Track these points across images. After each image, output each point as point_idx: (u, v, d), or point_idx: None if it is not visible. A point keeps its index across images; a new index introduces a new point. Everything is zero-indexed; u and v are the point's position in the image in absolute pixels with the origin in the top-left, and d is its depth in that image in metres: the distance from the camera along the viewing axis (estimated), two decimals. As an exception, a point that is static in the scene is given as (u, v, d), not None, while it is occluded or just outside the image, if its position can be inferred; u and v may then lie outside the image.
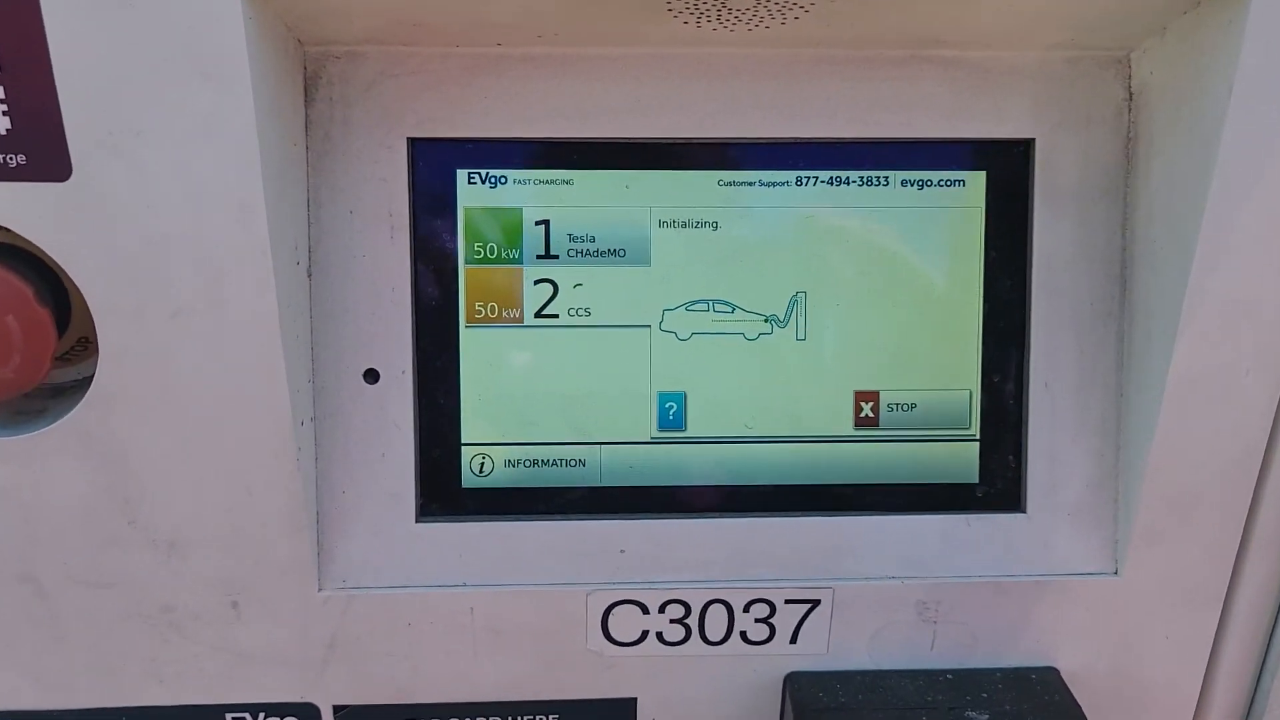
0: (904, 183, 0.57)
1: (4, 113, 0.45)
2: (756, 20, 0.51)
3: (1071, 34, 0.53)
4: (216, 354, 0.50)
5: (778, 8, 0.49)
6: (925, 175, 0.57)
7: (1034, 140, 0.56)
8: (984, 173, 0.57)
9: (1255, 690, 0.60)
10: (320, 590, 0.56)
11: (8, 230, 0.48)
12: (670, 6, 0.49)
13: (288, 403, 0.51)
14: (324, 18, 0.50)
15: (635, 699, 0.59)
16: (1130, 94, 0.56)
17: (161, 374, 0.50)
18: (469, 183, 0.56)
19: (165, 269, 0.49)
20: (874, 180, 0.57)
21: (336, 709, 0.58)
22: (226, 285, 0.49)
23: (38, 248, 0.48)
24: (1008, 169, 0.57)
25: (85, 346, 0.55)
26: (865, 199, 0.57)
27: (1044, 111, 0.56)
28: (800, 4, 0.49)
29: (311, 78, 0.54)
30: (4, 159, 0.46)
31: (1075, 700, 0.57)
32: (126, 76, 0.45)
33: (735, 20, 0.51)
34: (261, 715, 0.58)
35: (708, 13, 0.50)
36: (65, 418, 0.51)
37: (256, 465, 0.52)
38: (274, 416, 0.52)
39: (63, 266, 0.48)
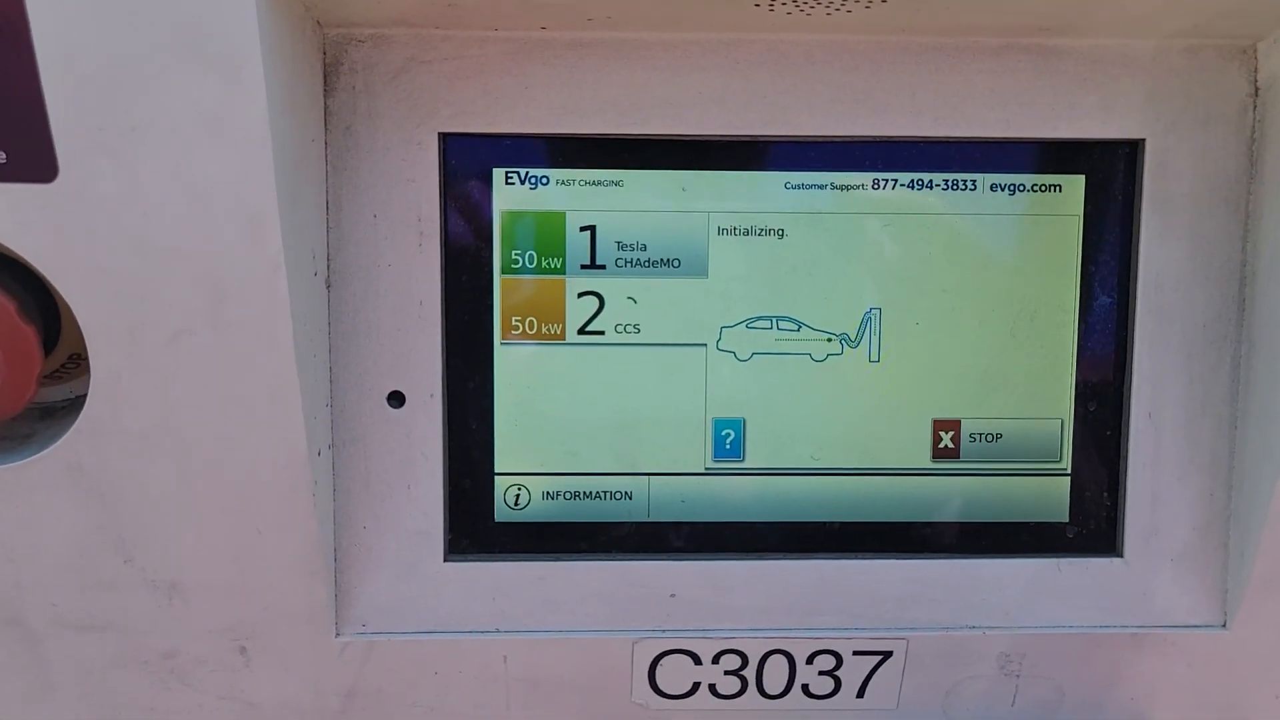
0: (994, 187, 0.54)
1: (-21, 106, 0.40)
2: (838, 3, 0.46)
3: (1194, 21, 0.49)
4: (222, 377, 0.47)
5: None
6: (1018, 179, 0.54)
7: (1144, 141, 0.53)
8: (1083, 177, 0.53)
9: None
10: (338, 636, 0.53)
11: (-12, 238, 0.44)
12: None
13: (302, 431, 0.48)
14: None
15: None
16: (1256, 89, 0.52)
17: (160, 399, 0.47)
18: (507, 183, 0.53)
19: (164, 283, 0.45)
20: (960, 184, 0.54)
21: (354, 764, 0.54)
22: (234, 301, 0.45)
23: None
24: (1111, 173, 0.53)
25: (78, 363, 0.51)
26: (950, 205, 0.54)
27: (1156, 108, 0.52)
28: None
29: (332, 64, 0.50)
30: None
31: (1174, 766, 0.53)
32: (120, 64, 0.42)
33: (814, 3, 0.46)
34: None
35: None
36: (53, 447, 0.47)
37: (267, 500, 0.49)
38: (287, 446, 0.48)
39: (48, 279, 0.44)
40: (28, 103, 0.41)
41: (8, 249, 0.44)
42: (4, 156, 0.41)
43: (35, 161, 0.42)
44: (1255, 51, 0.52)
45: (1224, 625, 0.54)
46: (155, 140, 0.42)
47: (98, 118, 0.42)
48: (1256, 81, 0.52)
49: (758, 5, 0.46)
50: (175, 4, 0.41)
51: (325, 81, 0.50)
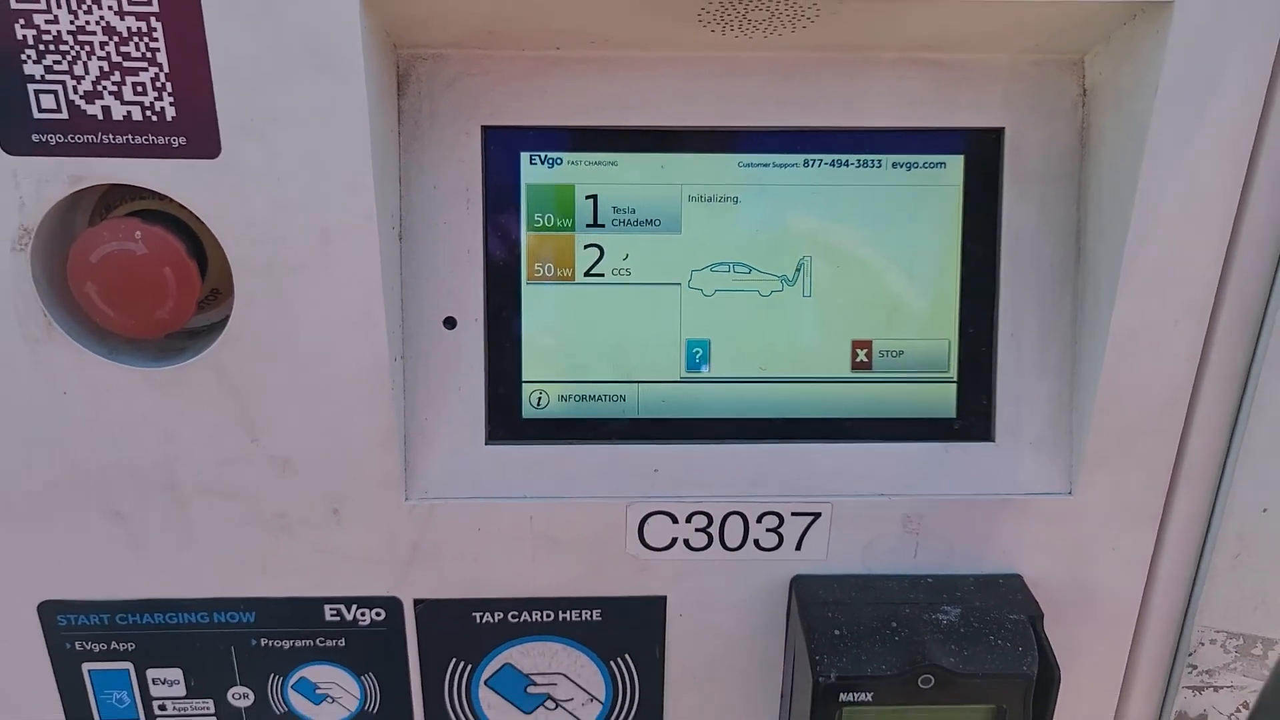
0: (894, 165, 0.66)
1: (171, 103, 0.56)
2: (771, 29, 0.60)
3: (1036, 40, 0.62)
4: (328, 302, 0.59)
5: (788, 19, 0.59)
6: (912, 158, 0.65)
7: (1004, 129, 0.64)
8: (962, 156, 0.66)
9: (1190, 595, 0.70)
10: (406, 499, 0.64)
11: (161, 200, 0.59)
12: (700, 18, 0.59)
13: (385, 342, 0.60)
14: (416, 27, 0.60)
15: (665, 597, 0.69)
16: (1084, 91, 0.64)
17: (284, 317, 0.60)
18: (530, 163, 0.65)
19: (290, 231, 0.58)
20: (869, 163, 0.66)
21: (417, 602, 0.69)
22: (338, 245, 0.58)
23: (187, 213, 0.58)
24: (982, 153, 0.65)
25: (215, 297, 0.65)
26: (862, 178, 0.66)
27: (1013, 105, 0.64)
28: (807, 15, 0.58)
29: (403, 75, 0.62)
30: (169, 140, 0.56)
31: (1035, 600, 0.67)
32: (266, 74, 0.55)
33: (753, 29, 0.60)
34: (354, 607, 0.69)
35: (731, 23, 0.59)
36: (204, 353, 0.60)
37: (357, 394, 0.62)
38: (373, 354, 0.61)
39: (210, 228, 0.58)
40: (202, 102, 0.55)
41: (177, 208, 0.58)
42: (184, 140, 0.56)
43: (205, 143, 0.56)
44: (1083, 63, 0.64)
45: (1069, 492, 0.66)
46: (288, 128, 0.55)
47: (250, 111, 0.55)
48: (1084, 85, 0.64)
49: (714, 32, 0.60)
50: (304, 33, 0.54)
51: (399, 87, 0.62)
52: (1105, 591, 0.70)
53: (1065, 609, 0.69)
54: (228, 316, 0.61)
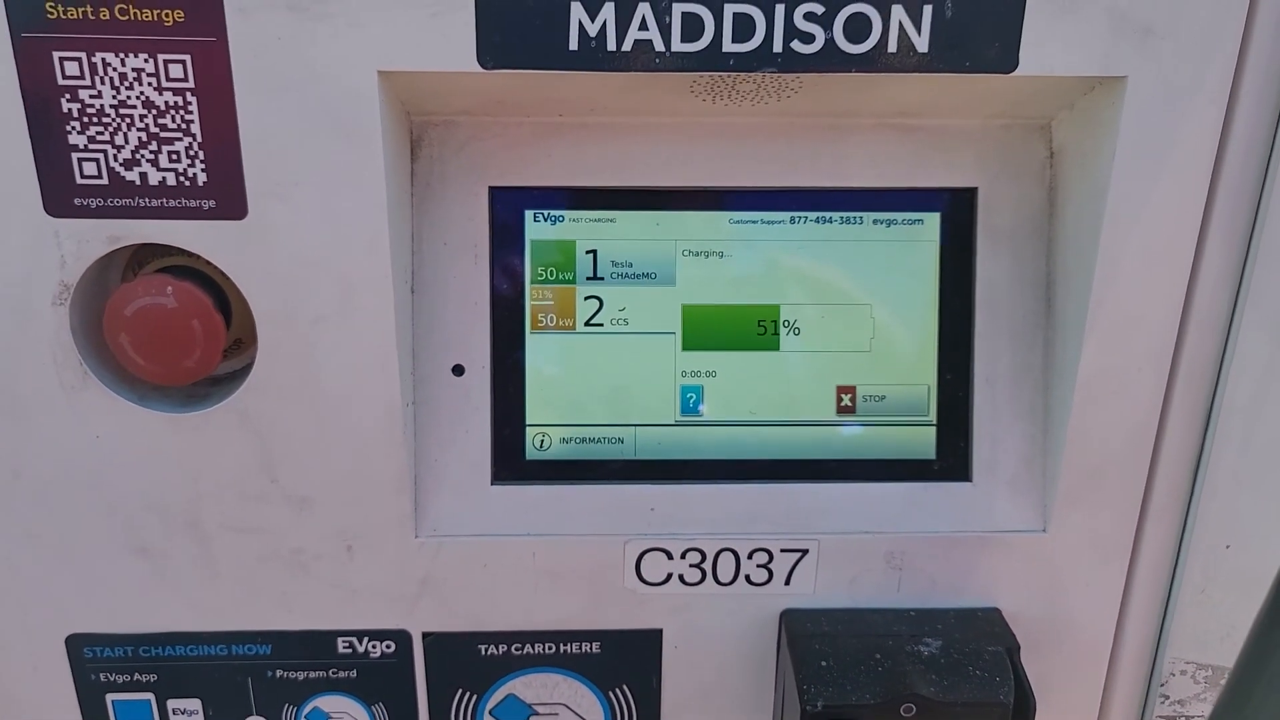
0: (875, 221, 0.69)
1: (203, 169, 0.60)
2: (758, 98, 0.64)
3: (1005, 107, 0.66)
4: (346, 351, 0.62)
5: (774, 90, 0.63)
6: (892, 215, 0.69)
7: (977, 188, 0.68)
8: (939, 214, 0.69)
9: (1161, 628, 0.73)
10: (416, 537, 0.67)
11: (189, 256, 0.62)
12: (693, 89, 0.62)
13: (398, 389, 0.64)
14: (428, 97, 0.63)
15: (661, 629, 0.72)
16: (1051, 153, 0.68)
17: (304, 366, 0.63)
18: (535, 220, 0.68)
19: (311, 286, 0.61)
20: (851, 219, 0.69)
21: (425, 635, 0.72)
22: (356, 298, 0.62)
23: (212, 269, 0.62)
24: (957, 211, 0.68)
25: (238, 346, 0.69)
26: (845, 234, 0.69)
27: (985, 166, 0.68)
28: (793, 87, 0.62)
29: (416, 140, 0.65)
30: (199, 203, 0.60)
31: (1013, 633, 0.69)
32: (290, 142, 0.58)
33: (742, 98, 0.64)
34: (365, 639, 0.71)
35: (721, 93, 0.63)
36: (228, 399, 0.64)
37: (372, 438, 0.65)
38: (386, 400, 0.64)
39: (237, 284, 0.61)
40: (232, 168, 0.59)
41: (204, 265, 0.62)
42: (214, 203, 0.60)
43: (234, 205, 0.60)
44: (1050, 127, 0.67)
45: (1044, 529, 0.69)
46: (311, 191, 0.59)
47: (275, 176, 0.59)
48: (1051, 148, 0.67)
49: (705, 101, 0.64)
50: (326, 105, 0.57)
51: (412, 151, 0.65)
52: (1079, 624, 0.72)
53: (1042, 641, 0.72)
54: (250, 364, 0.64)
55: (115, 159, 0.59)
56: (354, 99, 0.58)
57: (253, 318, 0.62)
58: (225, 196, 0.60)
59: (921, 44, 0.58)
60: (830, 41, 0.58)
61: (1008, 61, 0.59)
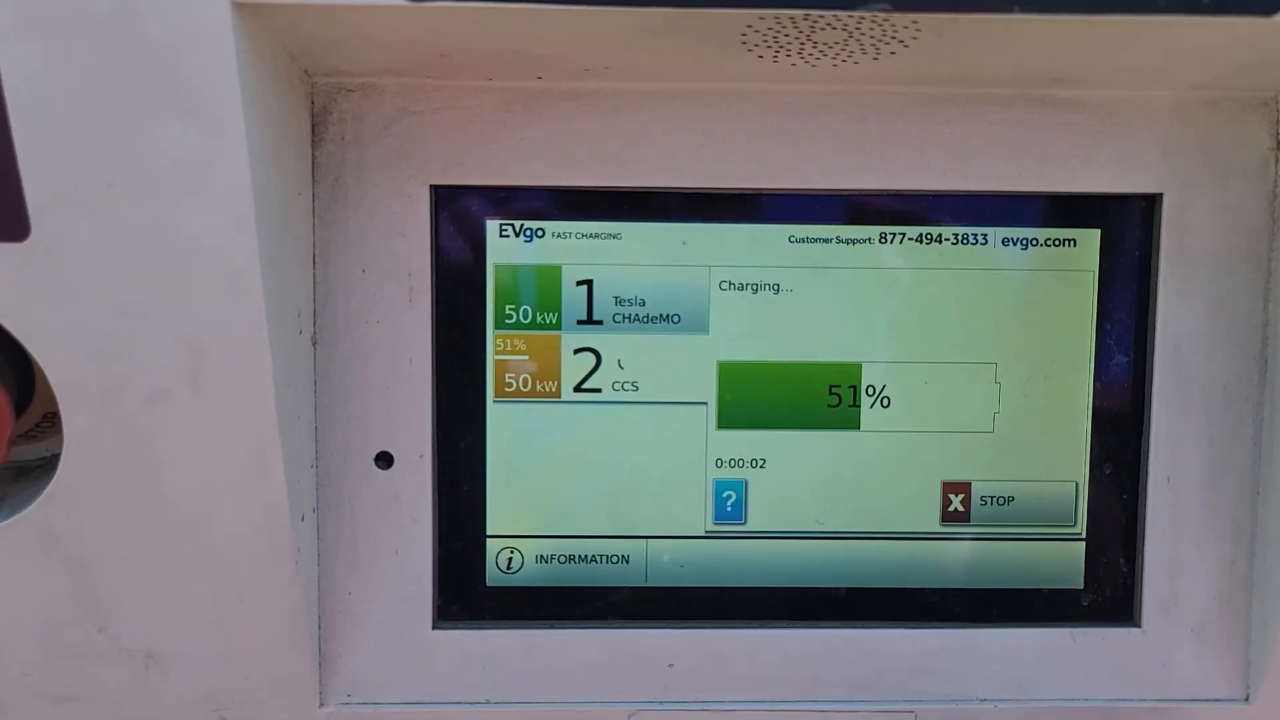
0: (1005, 241, 0.53)
1: (-54, 161, 0.39)
2: (845, 55, 0.45)
3: (1214, 72, 0.47)
4: (202, 439, 0.45)
5: (872, 41, 0.43)
6: (1030, 233, 0.53)
7: (1161, 196, 0.52)
8: (1098, 231, 0.52)
9: None
10: (321, 706, 0.52)
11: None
12: (745, 39, 0.43)
13: (285, 495, 0.46)
14: (335, 47, 0.45)
15: None
16: (1278, 142, 0.51)
17: (137, 463, 0.45)
18: (501, 236, 0.52)
19: (141, 344, 0.43)
20: (970, 238, 0.53)
21: (339, 843, 0.53)
22: (214, 361, 0.44)
23: None
24: (1128, 228, 0.53)
25: (54, 421, 0.50)
26: (960, 259, 0.53)
27: (1175, 162, 0.51)
28: (899, 37, 0.42)
29: (320, 114, 0.49)
30: None
31: None
32: (95, 118, 0.40)
33: (820, 55, 0.45)
34: None
35: (788, 46, 0.44)
36: (24, 512, 0.45)
37: (248, 566, 0.47)
38: (269, 511, 0.47)
39: (19, 340, 0.42)
40: None
41: None
42: None
43: (6, 221, 0.40)
44: (1277, 103, 0.50)
45: (1247, 699, 0.53)
46: (132, 196, 0.41)
47: (71, 174, 0.40)
48: (1278, 134, 0.50)
49: (762, 58, 0.44)
50: (152, 56, 0.39)
51: (314, 132, 0.49)
52: None
53: None
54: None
55: None
56: (199, 46, 0.40)
57: (53, 391, 0.45)
58: (-10, 204, 0.41)
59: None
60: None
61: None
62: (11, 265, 0.41)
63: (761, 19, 0.40)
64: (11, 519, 0.46)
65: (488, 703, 0.52)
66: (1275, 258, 0.51)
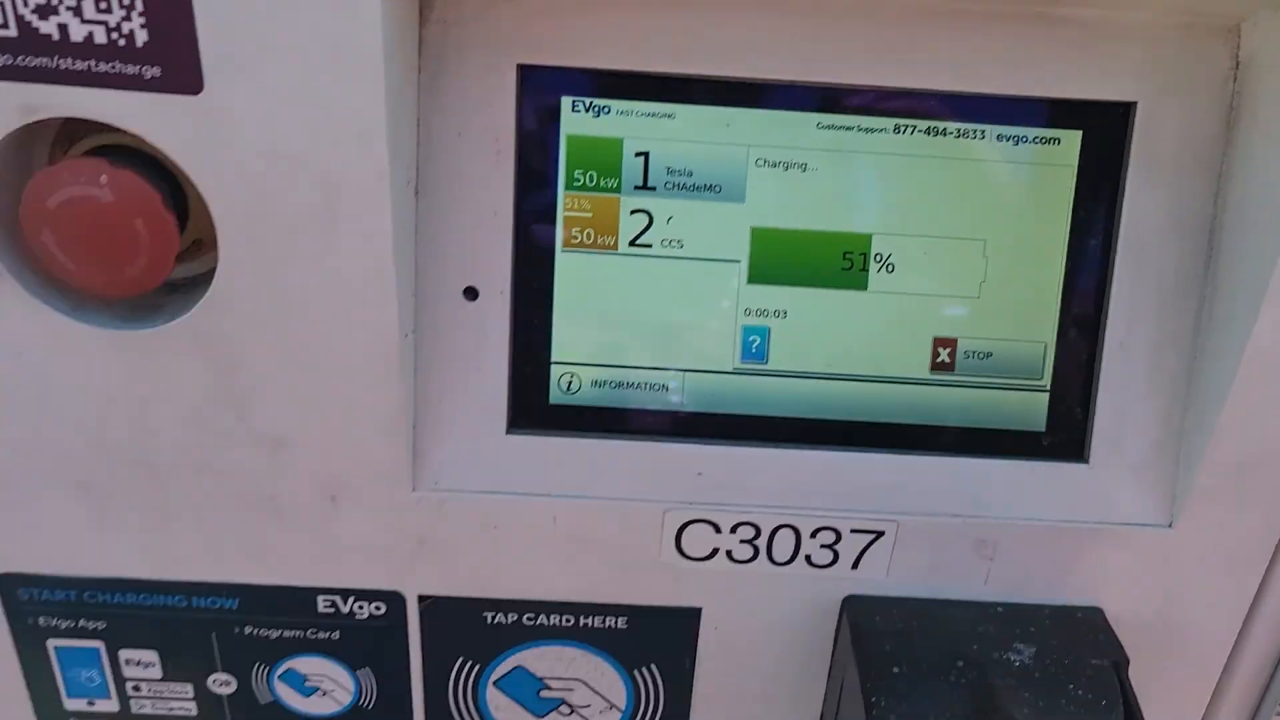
0: (1000, 137, 0.57)
1: (142, 25, 0.46)
2: None
3: (1190, 2, 0.53)
4: (330, 268, 0.52)
5: None
6: (1022, 131, 0.57)
7: (1135, 104, 0.56)
8: (1080, 132, 0.57)
9: None
10: (414, 490, 0.58)
11: (134, 135, 0.49)
12: None
13: (395, 317, 0.53)
14: None
15: (700, 609, 0.62)
16: (1237, 64, 0.55)
17: (276, 283, 0.52)
18: (573, 110, 0.57)
19: (286, 185, 0.50)
20: (971, 133, 0.57)
21: (421, 598, 0.62)
22: (343, 204, 0.50)
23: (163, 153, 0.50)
24: (1105, 131, 0.57)
25: (199, 246, 0.57)
26: (960, 151, 0.57)
27: (1149, 76, 0.56)
28: None
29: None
30: (140, 70, 0.47)
31: (1118, 641, 0.60)
32: None
33: None
34: (351, 599, 0.62)
35: None
36: (182, 318, 0.53)
37: (361, 373, 0.54)
38: (381, 329, 0.53)
39: (191, 178, 0.50)
40: (181, 27, 0.46)
41: (156, 149, 0.49)
42: (159, 71, 0.47)
43: (185, 77, 0.47)
44: (1239, 30, 0.55)
45: (1169, 525, 0.59)
46: (284, 63, 0.47)
47: (238, 41, 0.47)
48: (1238, 57, 0.55)
49: None
50: None
51: (421, 13, 0.53)
52: (1194, 634, 0.63)
53: (1148, 650, 0.62)
54: (213, 269, 0.53)
55: (25, 4, 0.46)
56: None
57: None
58: (173, 64, 0.47)
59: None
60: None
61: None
62: (187, 115, 0.48)
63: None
64: (172, 323, 0.53)
65: (548, 495, 0.59)
66: (1228, 161, 0.56)
